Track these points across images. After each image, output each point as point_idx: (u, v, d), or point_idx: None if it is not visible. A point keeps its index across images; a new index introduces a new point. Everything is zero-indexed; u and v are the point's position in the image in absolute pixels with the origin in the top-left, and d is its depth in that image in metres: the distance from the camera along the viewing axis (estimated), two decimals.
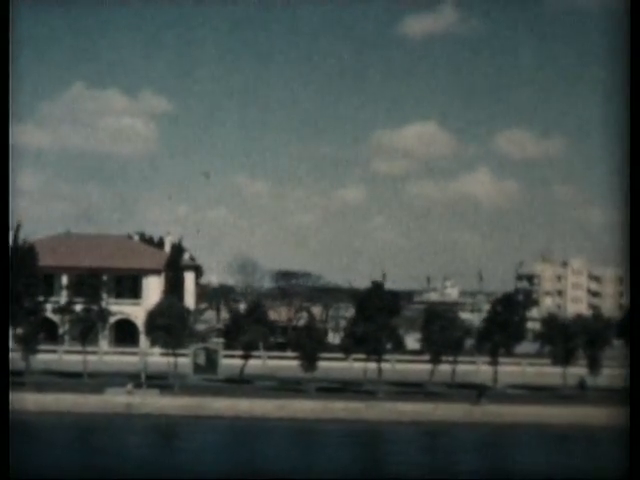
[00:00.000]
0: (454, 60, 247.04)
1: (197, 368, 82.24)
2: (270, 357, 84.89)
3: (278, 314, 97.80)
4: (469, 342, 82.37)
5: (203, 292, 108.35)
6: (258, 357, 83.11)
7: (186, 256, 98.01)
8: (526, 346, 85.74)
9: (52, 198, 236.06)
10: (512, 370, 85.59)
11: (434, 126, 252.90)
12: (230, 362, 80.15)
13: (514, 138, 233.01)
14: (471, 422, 65.07)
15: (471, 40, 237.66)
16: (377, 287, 71.94)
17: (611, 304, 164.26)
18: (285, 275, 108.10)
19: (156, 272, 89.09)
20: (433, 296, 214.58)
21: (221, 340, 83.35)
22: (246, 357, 76.96)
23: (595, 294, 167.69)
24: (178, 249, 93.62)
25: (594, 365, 73.60)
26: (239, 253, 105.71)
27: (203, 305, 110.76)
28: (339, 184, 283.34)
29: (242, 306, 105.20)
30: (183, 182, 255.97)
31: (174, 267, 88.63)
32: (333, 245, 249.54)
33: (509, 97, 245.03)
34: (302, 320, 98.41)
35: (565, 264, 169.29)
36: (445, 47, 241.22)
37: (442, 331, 71.98)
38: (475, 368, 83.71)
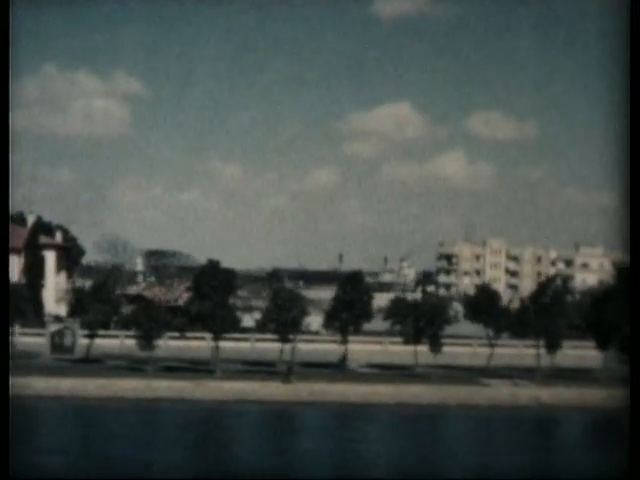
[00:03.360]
0: (427, 41, 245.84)
1: (55, 348, 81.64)
2: (128, 336, 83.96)
3: (152, 293, 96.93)
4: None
5: (84, 272, 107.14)
6: (116, 336, 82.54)
7: (58, 236, 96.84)
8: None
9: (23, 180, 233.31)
10: (373, 349, 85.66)
11: (407, 107, 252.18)
12: (101, 342, 79.62)
13: (488, 120, 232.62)
14: (293, 401, 64.59)
15: (445, 21, 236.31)
16: (212, 265, 71.06)
17: (529, 283, 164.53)
18: (154, 254, 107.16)
19: (15, 251, 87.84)
20: (388, 277, 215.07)
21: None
22: (91, 336, 76.25)
23: (513, 274, 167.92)
24: (38, 228, 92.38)
25: (434, 343, 73.26)
26: (111, 232, 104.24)
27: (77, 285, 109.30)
28: (311, 166, 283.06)
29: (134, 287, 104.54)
30: (155, 164, 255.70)
31: (33, 246, 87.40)
32: (304, 227, 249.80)
33: (483, 78, 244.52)
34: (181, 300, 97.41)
35: (484, 244, 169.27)
36: (418, 28, 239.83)
37: (279, 310, 71.34)
38: (336, 347, 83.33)
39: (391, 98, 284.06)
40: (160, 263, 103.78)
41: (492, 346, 78.15)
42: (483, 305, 77.41)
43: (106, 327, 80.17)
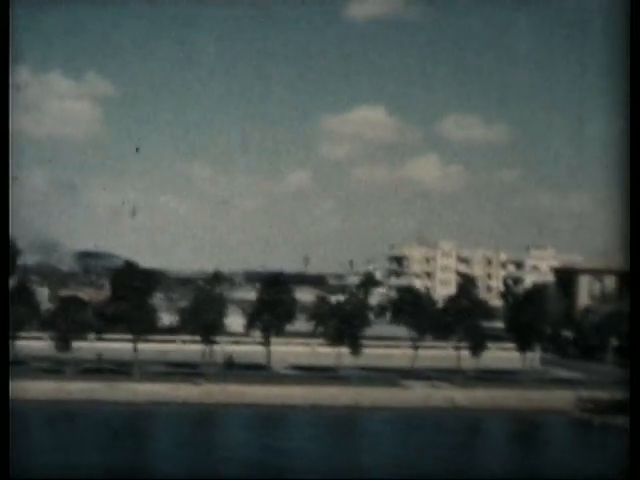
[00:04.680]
0: (400, 44, 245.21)
1: None
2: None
3: (86, 294, 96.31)
4: None
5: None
6: (40, 339, 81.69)
7: None
8: None
9: None
10: (301, 350, 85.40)
11: (381, 110, 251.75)
12: (27, 344, 78.58)
13: (461, 123, 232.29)
14: (204, 403, 64.28)
15: (418, 24, 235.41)
16: (130, 266, 70.61)
17: (479, 286, 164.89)
18: (86, 255, 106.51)
19: None
20: (354, 280, 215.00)
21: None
22: (12, 338, 75.28)
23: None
24: None
25: (353, 345, 73.15)
26: (40, 232, 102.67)
27: None
28: (285, 169, 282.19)
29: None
30: (128, 167, 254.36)
31: None
32: (276, 230, 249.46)
33: (456, 81, 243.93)
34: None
35: (435, 246, 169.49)
36: (392, 31, 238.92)
37: (195, 311, 71.08)
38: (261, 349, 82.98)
39: (366, 101, 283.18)
40: (91, 265, 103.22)
41: (416, 348, 78.30)
42: (406, 307, 77.59)
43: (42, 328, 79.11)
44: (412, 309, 76.89)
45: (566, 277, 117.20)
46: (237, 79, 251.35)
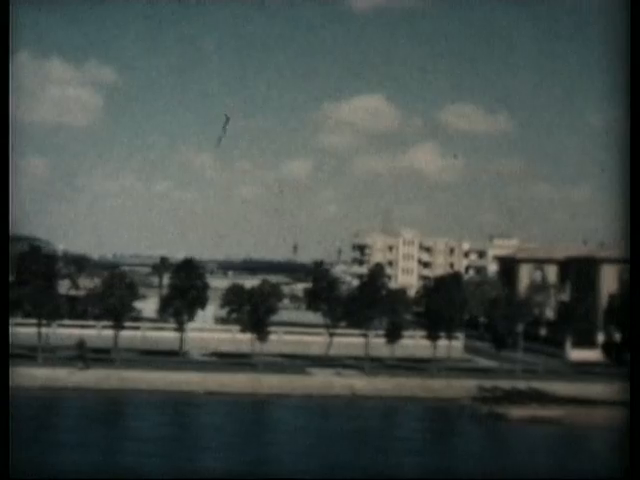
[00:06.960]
0: (402, 34, 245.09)
1: None
2: None
3: None
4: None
5: None
6: None
7: None
8: None
9: None
10: (223, 337, 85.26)
11: (381, 99, 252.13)
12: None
13: (461, 112, 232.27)
14: (93, 388, 64.13)
15: (420, 14, 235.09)
16: (33, 251, 70.40)
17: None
18: (13, 240, 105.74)
19: None
20: (342, 268, 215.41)
21: None
22: None
23: (426, 265, 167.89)
24: None
25: (259, 332, 72.94)
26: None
27: None
28: (285, 157, 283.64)
29: None
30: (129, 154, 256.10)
31: None
32: (275, 218, 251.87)
33: (457, 71, 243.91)
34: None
35: (398, 234, 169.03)
36: (393, 21, 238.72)
37: (101, 296, 70.98)
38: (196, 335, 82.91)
39: (365, 90, 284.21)
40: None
41: (331, 335, 78.24)
42: (321, 294, 77.40)
43: None
44: (327, 296, 76.76)
45: (508, 266, 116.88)
46: (237, 68, 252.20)
